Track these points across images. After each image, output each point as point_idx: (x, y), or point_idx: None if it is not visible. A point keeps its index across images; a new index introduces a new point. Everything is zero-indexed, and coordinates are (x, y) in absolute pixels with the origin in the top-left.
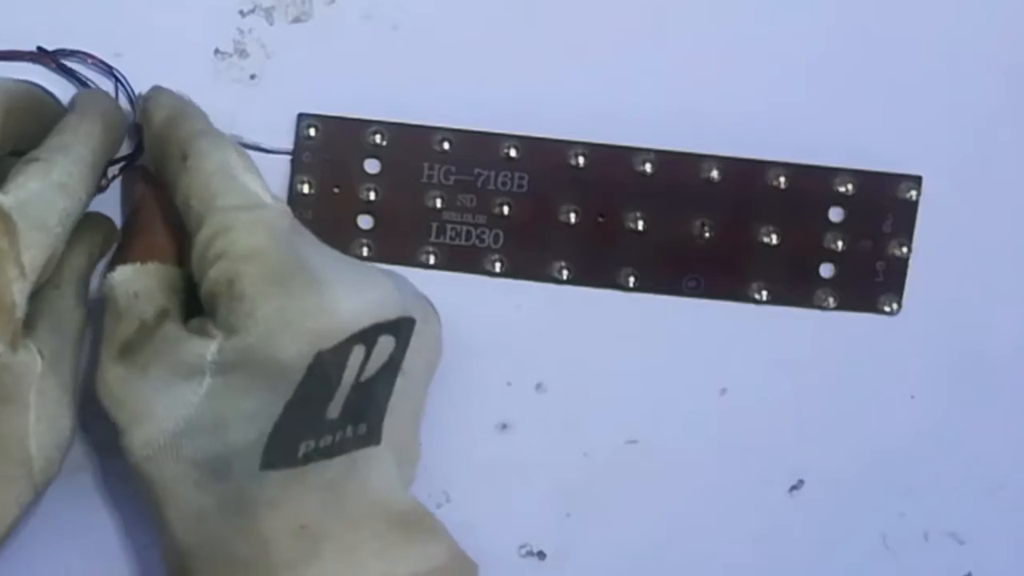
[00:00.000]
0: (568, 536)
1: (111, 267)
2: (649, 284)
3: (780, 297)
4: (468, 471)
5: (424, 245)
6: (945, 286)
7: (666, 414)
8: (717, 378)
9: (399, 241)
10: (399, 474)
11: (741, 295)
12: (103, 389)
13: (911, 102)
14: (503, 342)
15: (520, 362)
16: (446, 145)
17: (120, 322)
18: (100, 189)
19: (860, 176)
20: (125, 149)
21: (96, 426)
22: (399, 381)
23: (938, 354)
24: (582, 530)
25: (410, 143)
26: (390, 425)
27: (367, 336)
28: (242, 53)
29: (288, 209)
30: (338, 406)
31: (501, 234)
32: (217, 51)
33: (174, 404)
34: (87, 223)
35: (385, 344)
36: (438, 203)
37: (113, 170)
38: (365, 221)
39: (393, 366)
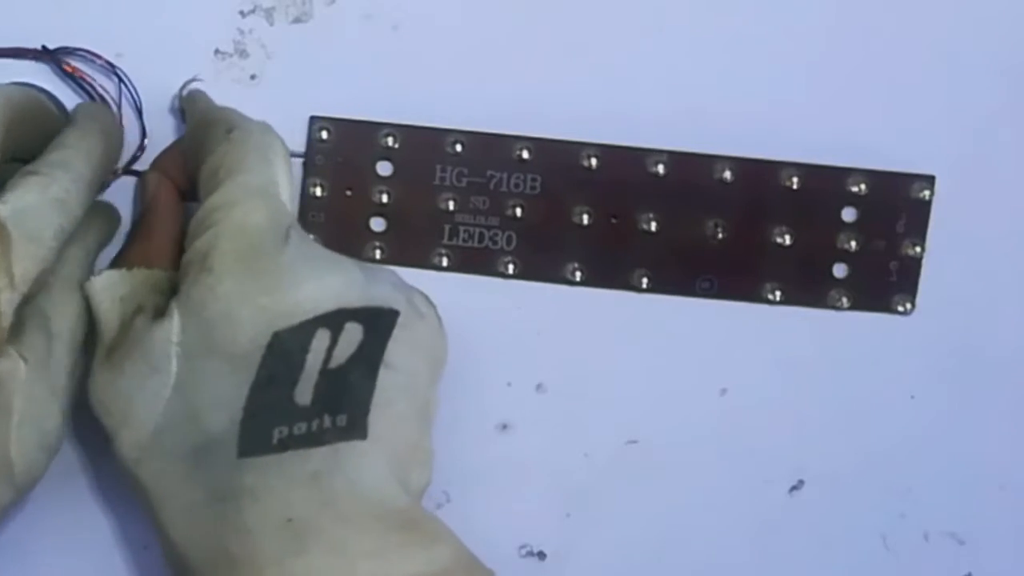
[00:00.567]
0: (568, 536)
1: (100, 271)
2: (662, 285)
3: (793, 298)
4: (468, 471)
5: (437, 247)
6: (958, 286)
7: (666, 414)
8: (717, 378)
9: (412, 243)
10: (395, 475)
11: (754, 296)
12: (92, 396)
13: (924, 102)
14: (503, 342)
15: (520, 362)
16: (458, 147)
17: (102, 327)
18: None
19: (873, 176)
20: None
21: (94, 426)
22: (385, 375)
23: (947, 354)
24: (582, 530)
25: (422, 145)
26: (379, 420)
27: (331, 321)
28: (242, 53)
29: (294, 217)
30: (307, 392)
31: (514, 236)
32: (217, 51)
33: (150, 401)
34: (91, 213)
35: (352, 331)
36: (451, 205)
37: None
38: (378, 223)
39: (369, 357)
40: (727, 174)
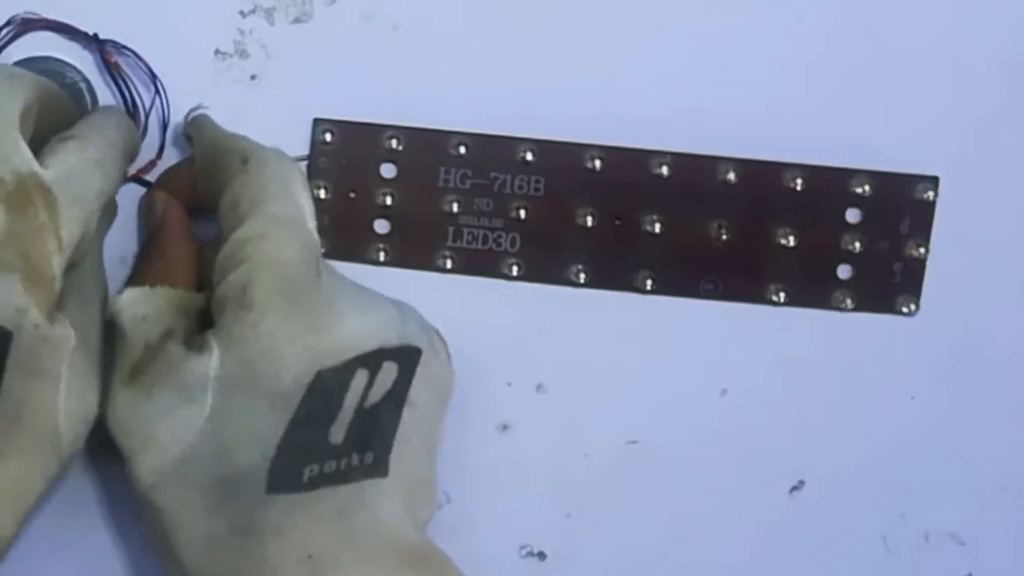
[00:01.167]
0: (569, 537)
1: (121, 290)
2: (666, 287)
3: (797, 299)
4: (469, 472)
5: (441, 249)
6: (962, 287)
7: (667, 414)
8: (717, 378)
9: (416, 245)
10: (407, 509)
11: (758, 297)
12: (111, 416)
13: (928, 102)
14: (504, 343)
15: (521, 362)
16: (462, 149)
17: (127, 346)
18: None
19: (877, 177)
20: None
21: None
22: (407, 412)
23: (950, 355)
24: (583, 531)
25: (426, 147)
26: (398, 458)
27: (370, 360)
28: (243, 54)
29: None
30: (341, 431)
31: (518, 238)
32: (218, 51)
33: (179, 429)
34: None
35: (389, 371)
36: (454, 207)
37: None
38: (381, 226)
39: (398, 396)
40: (731, 175)
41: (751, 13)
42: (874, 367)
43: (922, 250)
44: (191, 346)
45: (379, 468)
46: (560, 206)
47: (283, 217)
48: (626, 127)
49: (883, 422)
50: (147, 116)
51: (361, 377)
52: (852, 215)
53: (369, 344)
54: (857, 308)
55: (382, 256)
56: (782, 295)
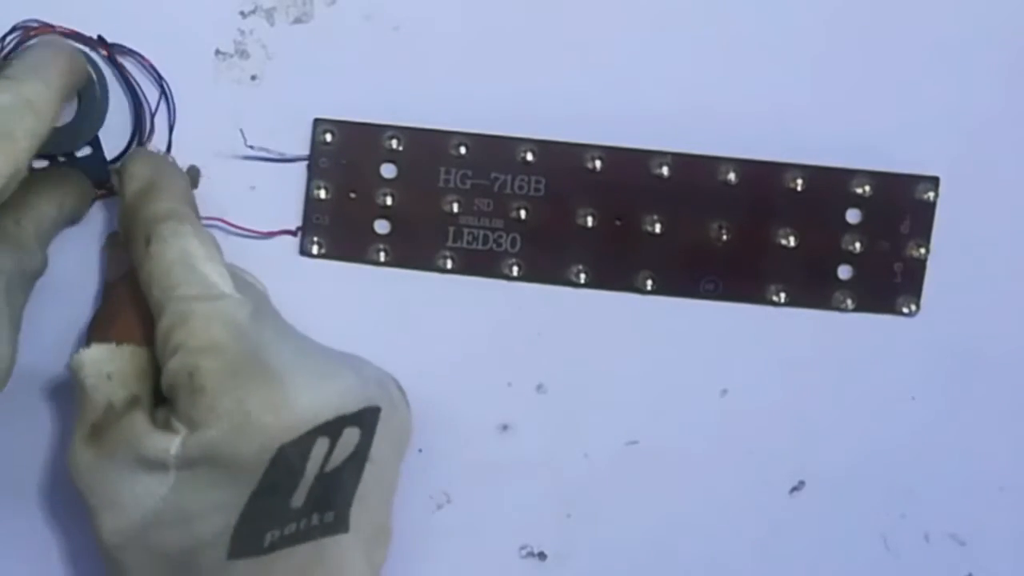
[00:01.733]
0: (569, 537)
1: (86, 344)
2: (667, 287)
3: (798, 299)
4: (468, 471)
5: (441, 249)
6: (963, 287)
7: (667, 415)
8: (717, 379)
9: (416, 246)
10: (366, 558)
11: (759, 297)
12: (74, 471)
13: (928, 102)
14: (504, 343)
15: (520, 363)
16: (462, 149)
17: (89, 403)
18: (74, 222)
19: (877, 177)
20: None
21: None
22: (368, 469)
23: (951, 355)
24: (583, 531)
25: (426, 148)
26: (358, 512)
27: (330, 429)
28: (243, 54)
29: (247, 299)
30: (302, 495)
31: (518, 238)
32: (218, 52)
33: (141, 495)
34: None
35: (350, 436)
36: (455, 207)
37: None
38: (382, 226)
39: (360, 456)
40: (731, 176)
41: (751, 13)
42: (874, 367)
43: (922, 250)
44: (155, 420)
45: (340, 525)
46: (560, 206)
47: (194, 296)
48: (626, 127)
49: (883, 422)
50: (153, 117)
51: (322, 445)
52: (852, 215)
53: (328, 414)
54: (857, 308)
55: (382, 256)
56: (782, 295)
